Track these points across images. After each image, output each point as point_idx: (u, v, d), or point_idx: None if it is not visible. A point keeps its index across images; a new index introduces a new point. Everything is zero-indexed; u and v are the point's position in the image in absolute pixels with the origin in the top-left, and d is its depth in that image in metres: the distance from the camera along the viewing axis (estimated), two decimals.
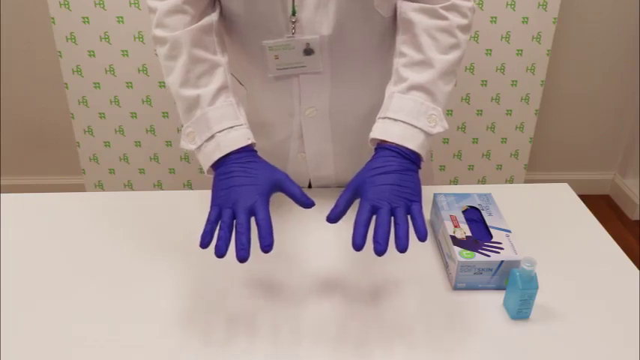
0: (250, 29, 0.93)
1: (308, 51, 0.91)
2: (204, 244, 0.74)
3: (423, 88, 0.85)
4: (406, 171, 0.80)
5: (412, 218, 0.75)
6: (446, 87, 0.87)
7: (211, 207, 0.78)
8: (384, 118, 0.85)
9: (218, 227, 0.75)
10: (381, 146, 0.83)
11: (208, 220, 0.76)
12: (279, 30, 0.90)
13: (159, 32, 0.88)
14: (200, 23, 0.88)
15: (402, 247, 0.72)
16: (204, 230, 0.75)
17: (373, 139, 0.85)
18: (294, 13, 0.88)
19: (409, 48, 0.88)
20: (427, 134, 0.84)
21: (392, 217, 0.75)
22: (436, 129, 0.84)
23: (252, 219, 0.76)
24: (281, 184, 0.80)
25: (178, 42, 0.86)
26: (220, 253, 0.73)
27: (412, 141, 0.82)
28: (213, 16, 0.90)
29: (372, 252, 0.71)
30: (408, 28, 0.89)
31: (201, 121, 0.85)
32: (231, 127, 0.84)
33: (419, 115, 0.84)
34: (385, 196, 0.76)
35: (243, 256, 0.72)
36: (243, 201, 0.76)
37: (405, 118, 0.83)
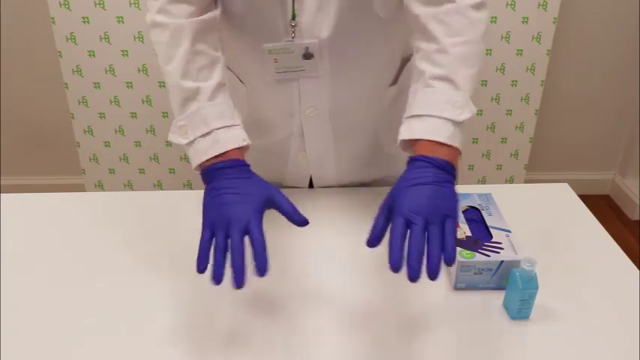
0: (250, 32, 0.92)
1: (307, 55, 0.91)
2: (200, 269, 0.72)
3: (442, 76, 0.80)
4: (443, 182, 0.73)
5: (443, 236, 0.69)
6: (468, 70, 0.81)
7: (203, 227, 0.75)
8: (409, 117, 0.80)
9: (212, 250, 0.73)
10: (414, 158, 0.76)
11: (202, 243, 0.73)
12: (278, 34, 0.90)
13: (160, 18, 0.86)
14: (204, 17, 0.87)
15: (433, 275, 0.66)
16: (199, 255, 0.72)
17: (402, 142, 0.81)
18: (293, 17, 0.88)
19: (422, 41, 0.84)
20: (456, 123, 0.78)
21: (426, 234, 0.69)
22: (463, 116, 0.79)
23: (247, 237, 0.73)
24: (273, 200, 0.77)
25: (181, 30, 0.85)
26: (217, 281, 0.70)
27: (441, 133, 0.77)
28: (216, 12, 0.89)
29: (372, 250, 0.71)
30: (417, 23, 0.85)
31: (196, 116, 0.83)
32: (229, 127, 0.82)
33: (444, 104, 0.79)
34: (421, 210, 0.69)
35: (239, 283, 0.69)
36: (236, 221, 0.73)
37: (429, 111, 0.78)
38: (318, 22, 0.89)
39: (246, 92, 1.02)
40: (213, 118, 0.82)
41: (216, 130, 0.82)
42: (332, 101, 0.98)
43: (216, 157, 0.80)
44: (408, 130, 0.79)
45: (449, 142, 0.76)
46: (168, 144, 2.09)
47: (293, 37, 0.90)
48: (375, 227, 0.71)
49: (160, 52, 0.87)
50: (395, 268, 0.66)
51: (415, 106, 0.80)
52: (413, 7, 0.86)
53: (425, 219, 0.69)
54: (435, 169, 0.74)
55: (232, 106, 0.86)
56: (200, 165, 0.81)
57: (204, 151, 0.81)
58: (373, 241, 0.71)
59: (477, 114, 2.20)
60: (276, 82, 0.95)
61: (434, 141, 0.76)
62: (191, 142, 0.82)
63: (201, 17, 0.86)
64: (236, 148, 0.81)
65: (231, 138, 0.82)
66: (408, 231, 0.68)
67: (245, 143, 0.83)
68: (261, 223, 0.74)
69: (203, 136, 0.82)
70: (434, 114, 0.78)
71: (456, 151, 0.78)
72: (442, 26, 0.82)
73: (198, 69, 0.85)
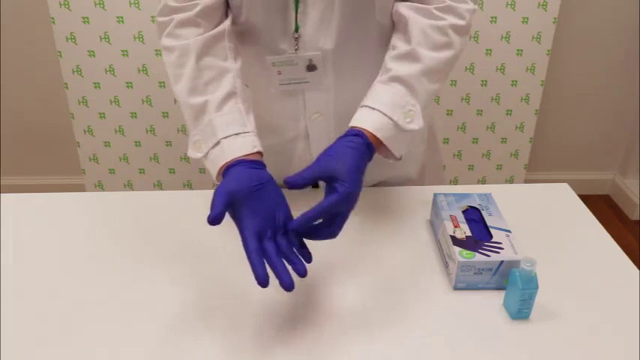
0: (253, 44, 0.93)
1: (311, 67, 0.91)
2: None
3: (404, 81, 0.83)
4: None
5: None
6: (430, 85, 0.85)
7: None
8: (362, 106, 0.84)
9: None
10: (357, 133, 0.81)
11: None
12: (282, 46, 0.90)
13: (168, 42, 0.87)
14: (210, 33, 0.87)
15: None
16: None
17: (352, 128, 0.83)
18: (296, 30, 0.88)
19: (399, 41, 0.87)
20: (400, 129, 0.82)
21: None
22: (411, 125, 0.83)
23: None
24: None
25: (187, 49, 0.85)
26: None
27: (382, 131, 0.81)
28: (226, 24, 0.89)
29: (372, 250, 0.71)
30: (400, 23, 0.88)
31: (207, 128, 0.83)
32: (237, 134, 0.82)
33: (395, 107, 0.82)
34: (352, 206, 0.77)
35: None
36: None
37: (381, 108, 0.82)
38: (322, 34, 0.89)
39: (252, 96, 1.02)
40: (221, 127, 0.82)
41: (222, 139, 0.81)
42: (337, 107, 0.98)
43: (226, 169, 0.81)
44: (357, 119, 0.83)
45: (386, 143, 0.81)
46: (168, 144, 2.09)
47: (296, 50, 0.90)
48: (304, 177, 0.75)
49: (169, 74, 0.88)
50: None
51: (370, 98, 0.84)
52: (402, 9, 0.88)
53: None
54: (367, 149, 0.80)
55: (244, 112, 0.85)
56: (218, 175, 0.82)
57: (216, 163, 0.82)
58: (294, 186, 0.75)
59: (477, 114, 2.22)
60: (280, 93, 0.95)
61: (375, 135, 0.81)
62: (205, 156, 0.83)
63: (207, 34, 0.86)
64: (242, 160, 0.80)
65: (237, 146, 0.81)
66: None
67: (255, 150, 0.81)
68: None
69: (213, 147, 0.82)
70: (385, 112, 0.82)
71: (386, 151, 0.83)
72: (422, 36, 0.85)
73: (205, 83, 0.85)
